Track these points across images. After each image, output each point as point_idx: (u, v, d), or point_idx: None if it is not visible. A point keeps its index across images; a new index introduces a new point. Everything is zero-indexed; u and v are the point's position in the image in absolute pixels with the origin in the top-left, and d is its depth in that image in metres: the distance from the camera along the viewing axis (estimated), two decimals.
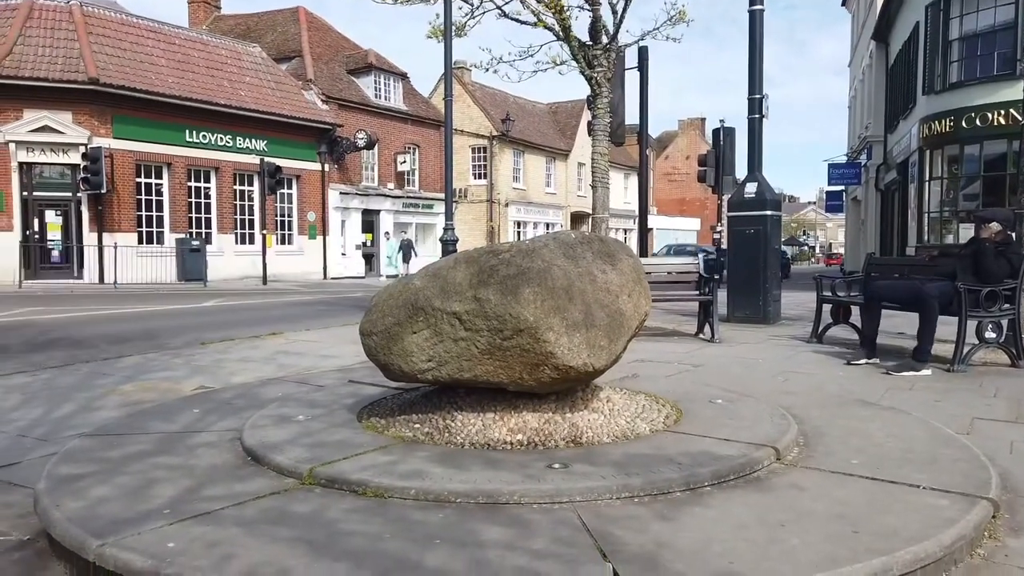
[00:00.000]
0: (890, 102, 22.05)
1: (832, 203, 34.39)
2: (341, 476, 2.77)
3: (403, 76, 31.31)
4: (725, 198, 14.26)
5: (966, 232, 15.98)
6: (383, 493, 2.65)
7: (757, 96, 9.15)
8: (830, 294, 7.30)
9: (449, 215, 9.61)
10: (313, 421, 3.62)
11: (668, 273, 7.98)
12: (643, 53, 10.34)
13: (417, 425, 3.42)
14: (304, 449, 3.11)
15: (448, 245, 9.49)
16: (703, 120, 65.30)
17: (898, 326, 7.86)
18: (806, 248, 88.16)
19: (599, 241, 3.54)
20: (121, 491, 2.74)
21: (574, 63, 8.52)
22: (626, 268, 3.50)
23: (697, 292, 7.62)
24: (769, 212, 8.93)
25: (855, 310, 7.34)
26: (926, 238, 16.53)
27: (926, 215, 16.66)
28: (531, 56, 8.92)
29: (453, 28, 9.00)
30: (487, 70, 9.07)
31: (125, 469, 3.01)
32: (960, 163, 15.89)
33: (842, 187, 30.67)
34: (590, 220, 8.87)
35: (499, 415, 3.39)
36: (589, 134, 9.07)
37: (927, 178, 16.56)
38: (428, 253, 28.22)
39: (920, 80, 16.79)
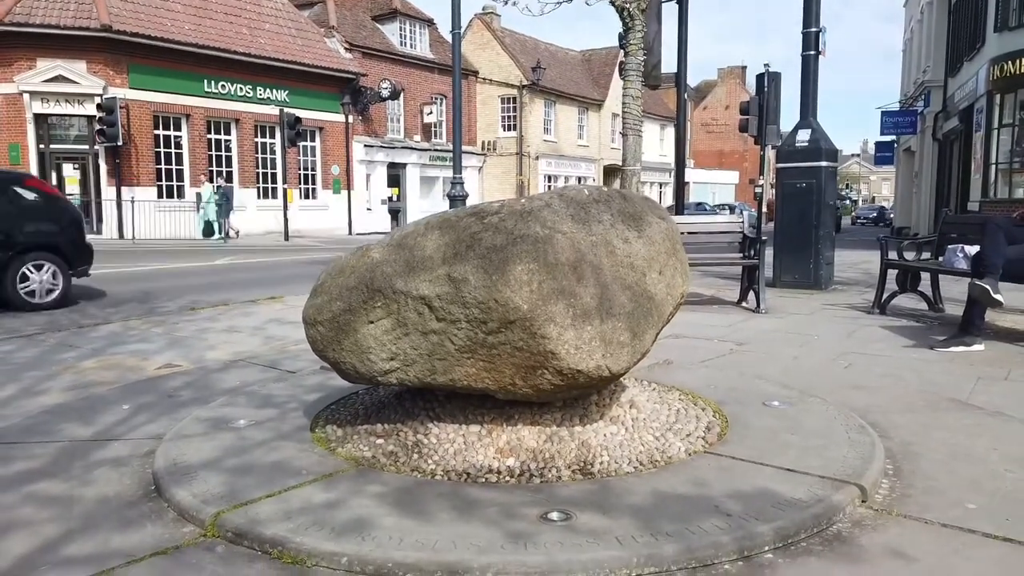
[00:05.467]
0: (953, 43, 20.23)
1: (882, 155, 32.40)
2: (253, 529, 1.99)
3: (430, 22, 30.00)
4: (768, 150, 13.10)
5: None
6: (304, 560, 1.87)
7: (813, 30, 7.99)
8: (896, 257, 6.32)
9: (458, 168, 8.58)
10: (256, 428, 2.86)
11: (707, 233, 7.02)
12: None
13: (380, 440, 2.63)
14: (223, 478, 2.35)
15: (456, 202, 8.51)
16: (744, 69, 62.45)
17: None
18: (848, 203, 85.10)
19: (621, 198, 2.65)
20: None
21: None
22: (657, 235, 2.63)
23: (741, 255, 6.68)
24: (824, 163, 7.85)
25: (925, 276, 6.38)
26: (992, 191, 15.14)
27: (993, 166, 15.21)
28: None
29: None
30: (505, 2, 8.07)
31: None
32: None
33: (893, 138, 28.82)
34: (621, 173, 7.90)
35: (487, 429, 2.58)
36: (620, 76, 8.05)
37: (996, 125, 15.05)
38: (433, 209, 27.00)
39: (991, 15, 15.15)
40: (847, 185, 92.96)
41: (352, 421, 2.85)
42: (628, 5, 7.28)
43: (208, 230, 20.83)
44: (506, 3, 8.02)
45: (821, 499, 2.15)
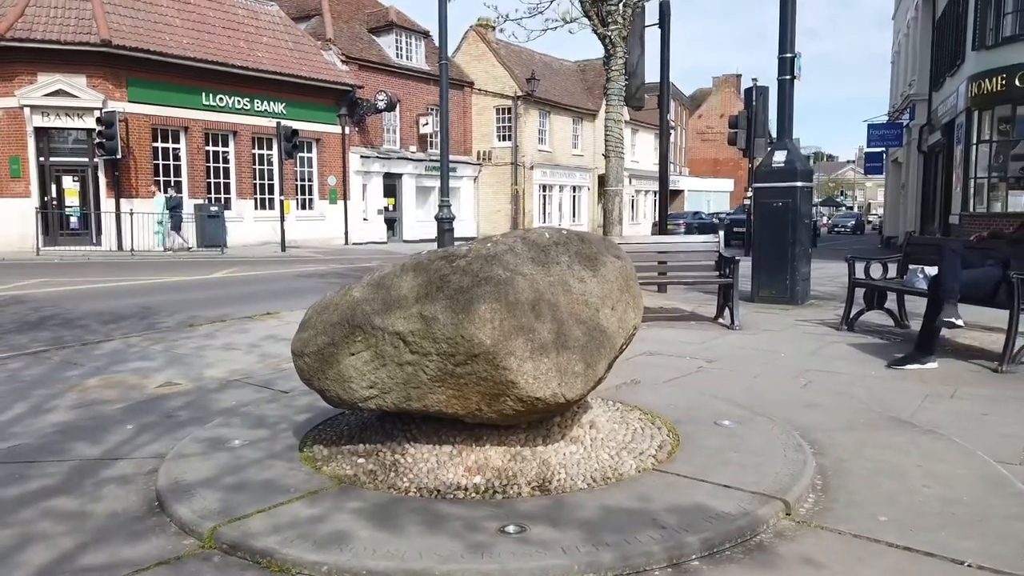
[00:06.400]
0: (936, 58, 20.66)
1: (871, 165, 32.86)
2: (245, 541, 2.27)
3: (425, 35, 30.35)
4: (757, 162, 13.43)
5: (1015, 199, 14.97)
6: (289, 568, 2.15)
7: (788, 55, 8.31)
8: (863, 277, 6.61)
9: (445, 190, 8.83)
10: (249, 448, 3.14)
11: (686, 252, 7.33)
12: (664, 8, 9.50)
13: (361, 460, 2.91)
14: (220, 495, 2.63)
15: (443, 223, 8.78)
16: (738, 77, 63.14)
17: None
18: (843, 209, 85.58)
19: (579, 241, 2.95)
20: None
21: (586, 20, 7.79)
22: (610, 274, 2.92)
23: (716, 274, 6.98)
24: (799, 183, 8.17)
25: (891, 294, 6.68)
26: (971, 205, 15.51)
27: (972, 180, 15.60)
28: (540, 13, 8.21)
29: None
30: (492, 28, 8.36)
31: (6, 519, 2.55)
32: (1011, 124, 14.79)
33: (882, 149, 29.26)
34: (603, 193, 8.21)
35: (458, 449, 2.87)
36: (604, 98, 8.37)
37: (974, 140, 15.44)
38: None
39: (970, 34, 15.56)
40: (842, 192, 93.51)
41: (337, 441, 3.14)
42: (610, 33, 7.59)
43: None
44: (492, 29, 8.32)
45: (748, 512, 2.43)
